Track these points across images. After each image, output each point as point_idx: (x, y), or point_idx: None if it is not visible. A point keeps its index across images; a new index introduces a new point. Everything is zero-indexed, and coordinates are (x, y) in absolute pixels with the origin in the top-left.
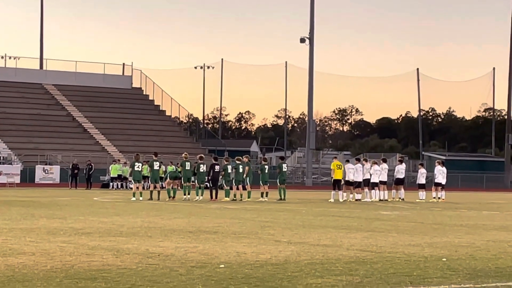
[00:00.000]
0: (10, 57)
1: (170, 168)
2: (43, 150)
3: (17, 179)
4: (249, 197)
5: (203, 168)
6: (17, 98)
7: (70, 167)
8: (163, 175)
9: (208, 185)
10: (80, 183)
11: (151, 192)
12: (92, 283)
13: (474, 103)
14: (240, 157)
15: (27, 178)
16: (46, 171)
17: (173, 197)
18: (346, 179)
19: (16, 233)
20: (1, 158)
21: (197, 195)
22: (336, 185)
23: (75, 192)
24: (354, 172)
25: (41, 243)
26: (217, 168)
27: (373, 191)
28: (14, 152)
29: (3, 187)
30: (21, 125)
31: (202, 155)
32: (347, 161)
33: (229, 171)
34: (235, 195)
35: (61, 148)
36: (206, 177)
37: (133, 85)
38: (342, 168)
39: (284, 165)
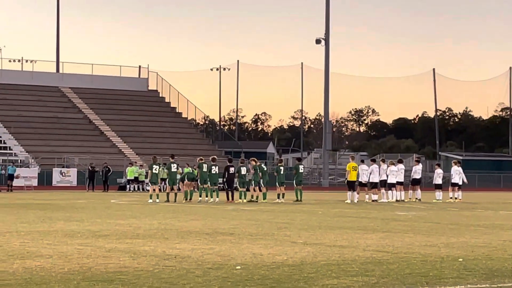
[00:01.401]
0: (26, 61)
1: (187, 170)
2: (60, 153)
3: (34, 182)
4: (264, 198)
5: (215, 169)
6: (34, 101)
7: (89, 169)
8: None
9: (224, 187)
10: (97, 185)
11: (168, 194)
12: (109, 285)
13: (491, 103)
14: (255, 159)
15: (45, 181)
16: (63, 174)
17: (190, 199)
18: (360, 180)
19: (34, 236)
20: (19, 161)
21: (212, 197)
22: (351, 186)
23: (92, 195)
24: (369, 173)
25: (59, 246)
26: (231, 169)
27: (389, 191)
28: (32, 155)
29: (20, 190)
30: (38, 128)
31: (215, 156)
32: (362, 161)
33: (243, 172)
34: (252, 196)
35: (78, 151)
36: (221, 179)
37: (149, 88)
38: (358, 170)
39: (301, 166)
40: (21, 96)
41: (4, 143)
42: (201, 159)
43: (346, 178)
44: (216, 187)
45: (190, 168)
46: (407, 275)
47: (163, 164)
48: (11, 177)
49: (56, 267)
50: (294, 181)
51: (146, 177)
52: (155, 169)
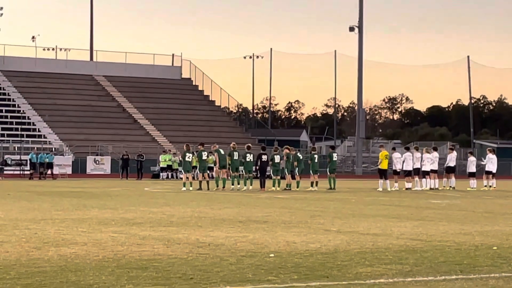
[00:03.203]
0: (61, 49)
1: None
2: (94, 141)
3: (68, 170)
4: (298, 186)
5: (249, 157)
6: (68, 89)
7: (122, 157)
8: (212, 165)
9: (257, 175)
10: (131, 173)
11: (200, 182)
12: (143, 273)
13: None
14: (289, 147)
15: (79, 169)
16: (97, 162)
17: (223, 187)
18: (393, 168)
19: (68, 223)
20: (53, 149)
21: (245, 185)
22: (383, 174)
23: (126, 183)
24: (402, 161)
25: (93, 233)
26: (264, 157)
27: (423, 179)
28: (66, 143)
29: (55, 178)
30: (72, 116)
31: (250, 144)
32: (393, 149)
33: (277, 160)
34: (287, 185)
35: (112, 139)
36: (254, 167)
37: (183, 76)
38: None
39: (334, 154)
40: (55, 85)
41: (39, 131)
42: (234, 146)
43: (378, 166)
44: (250, 175)
45: None
46: (441, 263)
47: (196, 152)
48: (49, 165)
49: (91, 255)
50: (328, 169)
51: (179, 165)
52: (188, 157)
